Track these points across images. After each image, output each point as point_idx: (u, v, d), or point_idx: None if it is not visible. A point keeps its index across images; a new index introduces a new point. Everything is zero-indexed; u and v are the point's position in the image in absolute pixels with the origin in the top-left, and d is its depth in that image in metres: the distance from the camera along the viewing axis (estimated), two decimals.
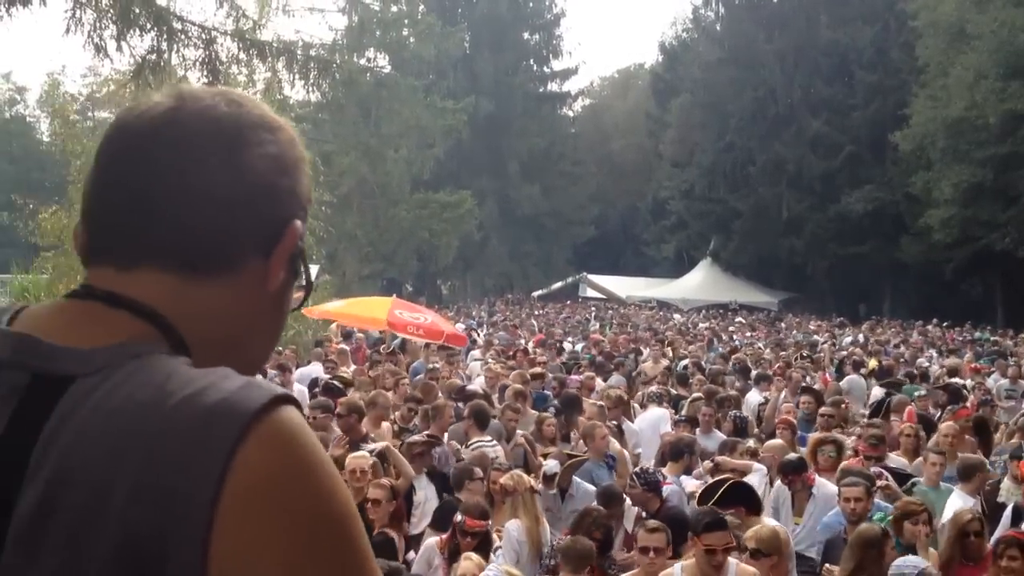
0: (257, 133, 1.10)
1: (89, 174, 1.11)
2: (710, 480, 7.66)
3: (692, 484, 7.78)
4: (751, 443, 8.79)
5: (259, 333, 1.15)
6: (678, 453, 8.17)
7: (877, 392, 13.23)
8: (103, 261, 1.08)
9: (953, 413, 10.52)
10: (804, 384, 12.76)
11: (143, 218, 1.05)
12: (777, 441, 8.80)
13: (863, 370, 15.91)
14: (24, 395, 0.97)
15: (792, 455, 8.12)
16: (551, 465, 7.53)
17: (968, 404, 11.92)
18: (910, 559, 5.46)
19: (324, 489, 0.94)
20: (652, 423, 10.09)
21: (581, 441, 8.93)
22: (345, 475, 7.00)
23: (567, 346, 20.97)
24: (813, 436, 8.74)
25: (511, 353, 16.25)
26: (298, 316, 17.30)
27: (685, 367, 15.15)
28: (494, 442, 8.35)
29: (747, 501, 6.60)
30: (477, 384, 12.25)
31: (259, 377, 1.02)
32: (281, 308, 1.17)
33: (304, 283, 1.21)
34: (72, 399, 0.95)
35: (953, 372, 15.60)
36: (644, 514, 6.73)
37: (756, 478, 7.95)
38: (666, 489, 7.42)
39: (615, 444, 8.98)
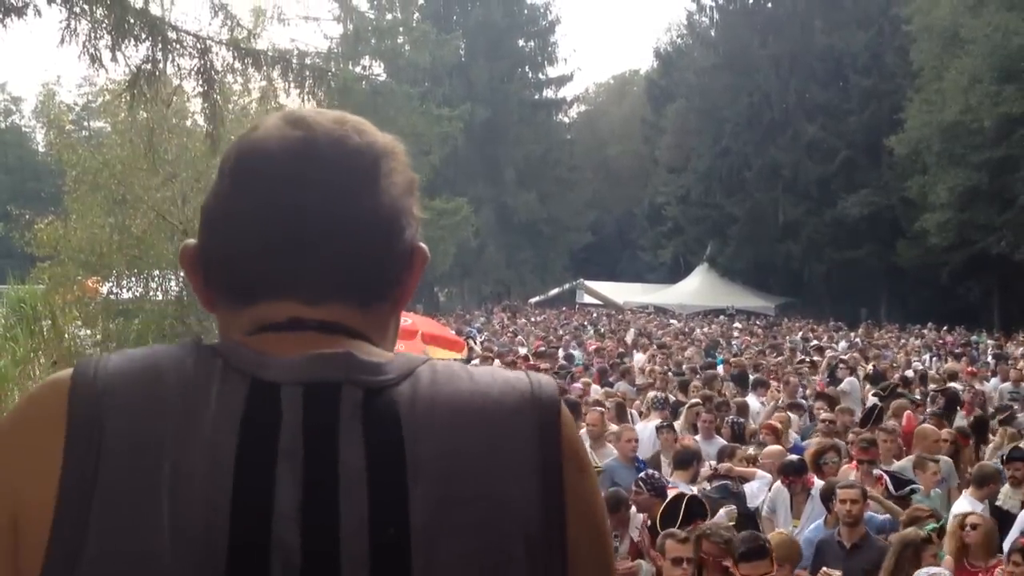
0: (387, 160, 1.13)
1: (222, 205, 1.10)
2: (708, 488, 7.65)
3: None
4: (751, 450, 8.77)
5: (392, 343, 1.18)
6: (685, 461, 8.09)
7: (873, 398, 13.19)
8: (278, 299, 1.07)
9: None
10: (818, 390, 12.78)
11: (312, 256, 1.07)
12: (776, 447, 8.78)
13: (857, 374, 15.91)
14: (365, 410, 1.00)
15: (793, 457, 8.12)
16: None
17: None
18: (932, 569, 5.44)
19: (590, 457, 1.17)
20: (651, 431, 10.05)
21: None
22: None
23: (562, 352, 20.91)
24: (813, 444, 8.73)
25: (510, 360, 16.22)
26: None
27: (684, 372, 15.12)
28: None
29: (703, 515, 6.50)
30: None
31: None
32: (400, 317, 1.22)
33: None
34: (404, 405, 1.01)
35: (952, 377, 15.58)
36: (650, 522, 6.66)
37: (758, 485, 7.94)
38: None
39: (614, 449, 8.97)
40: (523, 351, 19.68)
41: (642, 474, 7.21)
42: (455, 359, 14.86)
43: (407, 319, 13.89)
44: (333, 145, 1.10)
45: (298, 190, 1.07)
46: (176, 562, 0.92)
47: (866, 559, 5.94)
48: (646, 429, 9.97)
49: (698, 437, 9.65)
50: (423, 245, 1.17)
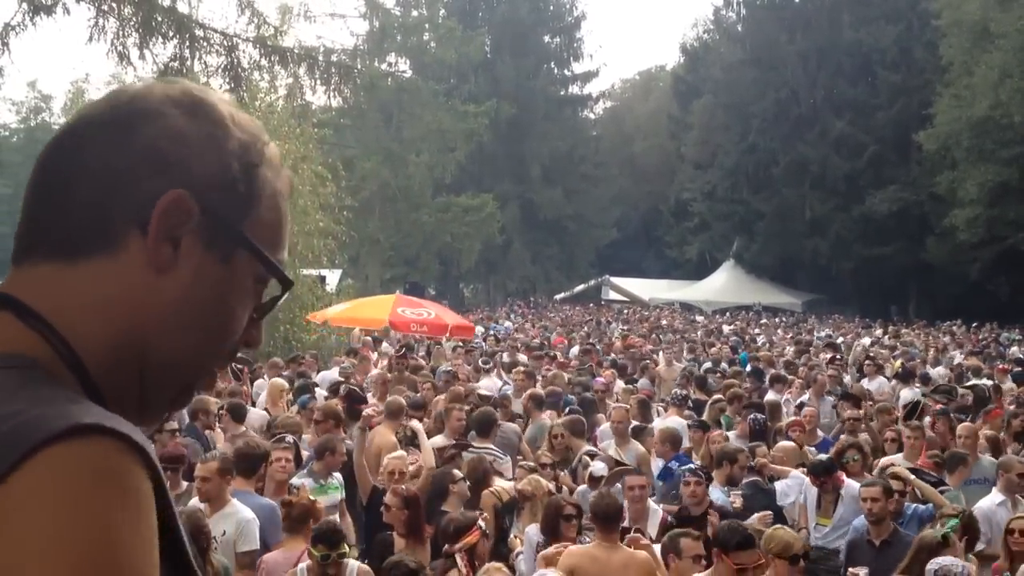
0: (166, 108, 1.01)
1: None
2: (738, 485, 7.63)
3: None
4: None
5: (174, 327, 1.01)
6: (718, 463, 8.02)
7: (907, 394, 13.09)
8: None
9: (987, 414, 10.47)
10: (842, 390, 12.71)
11: (30, 208, 1.01)
12: (789, 443, 8.75)
13: (887, 372, 15.80)
14: None
15: (822, 456, 8.09)
16: (599, 468, 7.50)
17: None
18: (942, 559, 5.43)
19: (77, 552, 0.78)
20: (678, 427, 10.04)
21: (606, 442, 8.95)
22: (383, 474, 7.03)
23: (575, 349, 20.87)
24: (839, 442, 8.69)
25: (537, 356, 16.21)
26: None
27: (706, 371, 15.06)
28: (496, 450, 8.33)
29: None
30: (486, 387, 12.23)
31: (91, 407, 0.88)
32: (209, 298, 1.03)
33: (274, 279, 1.09)
34: None
35: (976, 373, 15.43)
36: (670, 518, 6.65)
37: (790, 483, 7.91)
38: (715, 498, 7.36)
39: (639, 446, 8.97)
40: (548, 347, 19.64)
41: (691, 464, 7.15)
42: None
43: (429, 311, 13.87)
44: (107, 101, 1.04)
45: (51, 149, 1.03)
46: None
47: (896, 555, 5.91)
48: (664, 424, 9.98)
49: (731, 434, 9.63)
50: (183, 192, 0.98)
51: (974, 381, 14.31)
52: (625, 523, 6.31)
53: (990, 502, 7.22)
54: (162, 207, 0.97)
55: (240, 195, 1.04)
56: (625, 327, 28.79)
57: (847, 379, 15.42)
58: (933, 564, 5.39)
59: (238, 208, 1.03)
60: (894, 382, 14.84)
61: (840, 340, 24.61)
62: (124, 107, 1.02)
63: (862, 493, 6.47)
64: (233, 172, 1.03)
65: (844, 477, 7.52)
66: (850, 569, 6.36)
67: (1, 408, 0.83)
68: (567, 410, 10.19)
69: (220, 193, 1.02)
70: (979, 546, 6.88)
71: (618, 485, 6.94)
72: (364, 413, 7.92)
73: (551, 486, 6.97)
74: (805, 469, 8.04)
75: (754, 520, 6.83)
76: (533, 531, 6.40)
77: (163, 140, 1.00)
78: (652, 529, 6.65)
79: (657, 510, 6.82)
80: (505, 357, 16.49)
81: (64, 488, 0.79)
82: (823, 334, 28.24)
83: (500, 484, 7.17)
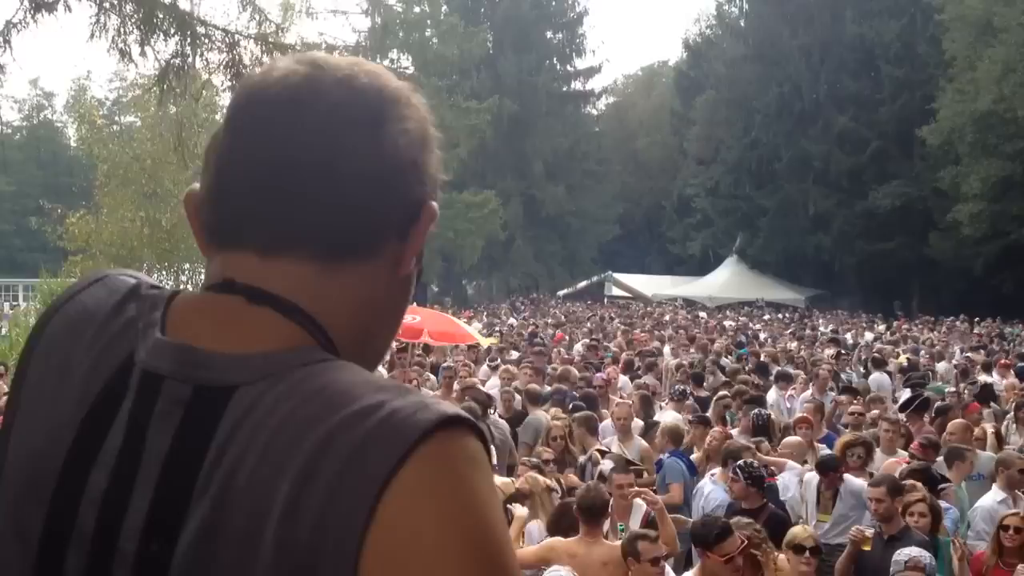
0: (397, 107, 1.04)
1: (219, 145, 1.04)
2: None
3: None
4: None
5: (387, 323, 1.09)
6: (724, 461, 7.98)
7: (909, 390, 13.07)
8: (239, 246, 1.00)
9: (964, 409, 10.48)
10: (844, 384, 12.69)
11: (287, 198, 0.98)
12: (795, 438, 8.73)
13: (889, 367, 15.77)
14: (187, 409, 0.92)
15: (827, 452, 8.08)
16: (608, 466, 7.48)
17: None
18: (909, 550, 5.48)
19: (479, 535, 0.86)
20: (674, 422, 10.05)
21: (608, 439, 8.94)
22: None
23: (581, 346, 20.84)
24: (842, 438, 8.67)
25: (537, 351, 16.20)
26: None
27: (703, 367, 15.03)
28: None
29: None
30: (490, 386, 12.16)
31: (427, 393, 1.00)
32: (408, 294, 1.10)
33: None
34: (236, 412, 0.91)
35: (985, 368, 15.39)
36: (652, 514, 6.61)
37: (789, 476, 7.90)
38: (715, 496, 7.35)
39: (642, 441, 8.96)
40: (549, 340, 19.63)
41: (741, 462, 7.11)
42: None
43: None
44: (338, 83, 1.02)
45: (290, 130, 0.99)
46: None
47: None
48: (667, 419, 9.96)
49: (735, 431, 9.62)
50: (434, 204, 1.06)
51: (984, 378, 14.27)
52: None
53: (991, 500, 7.21)
54: (427, 220, 1.05)
55: (437, 192, 1.10)
56: (627, 323, 28.73)
57: (853, 375, 15.41)
58: (901, 555, 5.42)
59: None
60: (899, 377, 14.83)
61: (848, 337, 24.58)
62: (374, 98, 1.03)
63: (867, 493, 6.47)
64: (439, 171, 1.10)
65: (844, 473, 7.51)
66: (855, 528, 6.39)
67: (365, 399, 0.89)
68: (571, 406, 10.17)
69: (436, 193, 1.09)
70: (980, 545, 6.89)
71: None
72: None
73: (551, 482, 6.95)
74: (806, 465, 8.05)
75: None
76: (534, 528, 6.40)
77: (417, 144, 1.05)
78: (635, 525, 6.63)
79: (641, 505, 6.79)
80: (513, 354, 16.52)
81: (454, 477, 0.87)
82: (826, 329, 28.20)
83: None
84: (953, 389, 12.74)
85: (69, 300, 1.08)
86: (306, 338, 0.97)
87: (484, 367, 14.67)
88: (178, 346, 0.96)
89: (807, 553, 5.59)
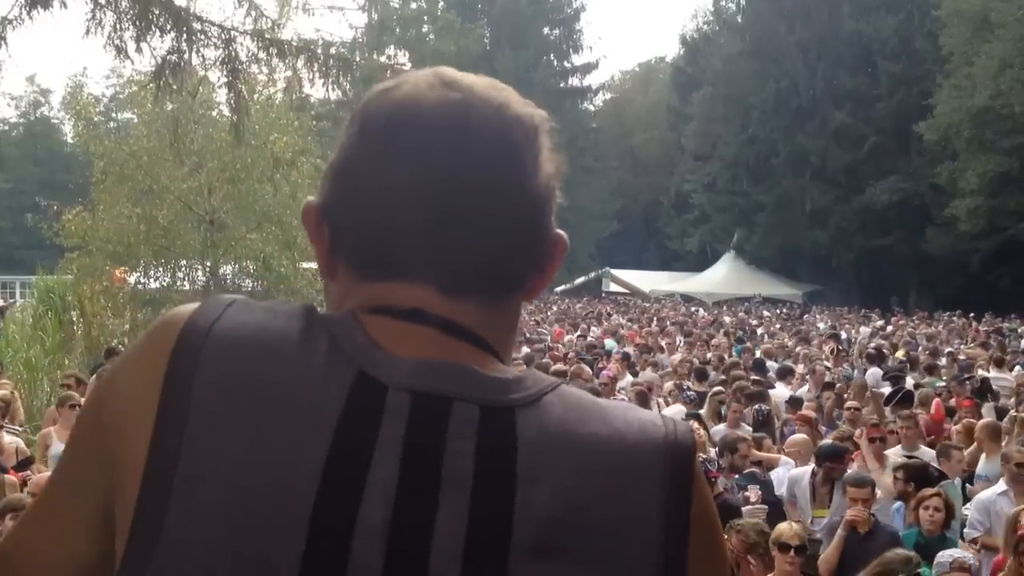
0: (542, 137, 1.04)
1: (369, 167, 0.99)
2: (736, 476, 7.62)
3: None
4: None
5: (515, 337, 1.08)
6: (719, 452, 8.01)
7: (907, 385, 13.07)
8: (407, 278, 0.97)
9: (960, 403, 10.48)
10: (827, 380, 12.67)
11: (465, 237, 0.97)
12: (801, 436, 8.73)
13: (886, 363, 15.77)
14: (480, 430, 0.90)
15: (827, 441, 8.08)
16: None
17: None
18: (952, 551, 5.44)
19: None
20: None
21: None
22: None
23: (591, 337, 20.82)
24: (838, 431, 8.68)
25: (539, 348, 16.19)
26: None
27: (705, 362, 15.04)
28: None
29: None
30: None
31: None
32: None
33: None
34: (528, 432, 0.91)
35: (999, 363, 15.33)
36: None
37: (784, 472, 7.90)
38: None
39: None
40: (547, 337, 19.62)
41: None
42: None
43: None
44: (494, 113, 1.00)
45: (459, 159, 0.97)
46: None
47: (875, 546, 5.89)
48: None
49: (722, 426, 9.62)
50: (563, 233, 1.07)
51: (983, 373, 14.24)
52: None
53: (992, 491, 7.20)
54: (562, 252, 1.07)
55: None
56: (625, 319, 28.76)
57: (850, 371, 15.40)
58: (944, 556, 5.38)
59: None
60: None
61: (844, 334, 24.57)
62: (530, 129, 1.03)
63: (850, 492, 6.45)
64: None
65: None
66: (856, 508, 6.34)
67: (618, 419, 0.96)
68: None
69: None
70: (973, 533, 6.91)
71: None
72: None
73: None
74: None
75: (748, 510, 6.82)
76: None
77: (555, 175, 1.06)
78: None
79: None
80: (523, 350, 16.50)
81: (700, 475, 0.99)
82: (823, 325, 28.22)
83: None
84: (943, 384, 12.73)
85: (215, 323, 0.95)
86: (504, 366, 0.99)
87: None
88: (456, 366, 0.93)
89: (792, 552, 5.53)
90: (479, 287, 0.98)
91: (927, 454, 8.26)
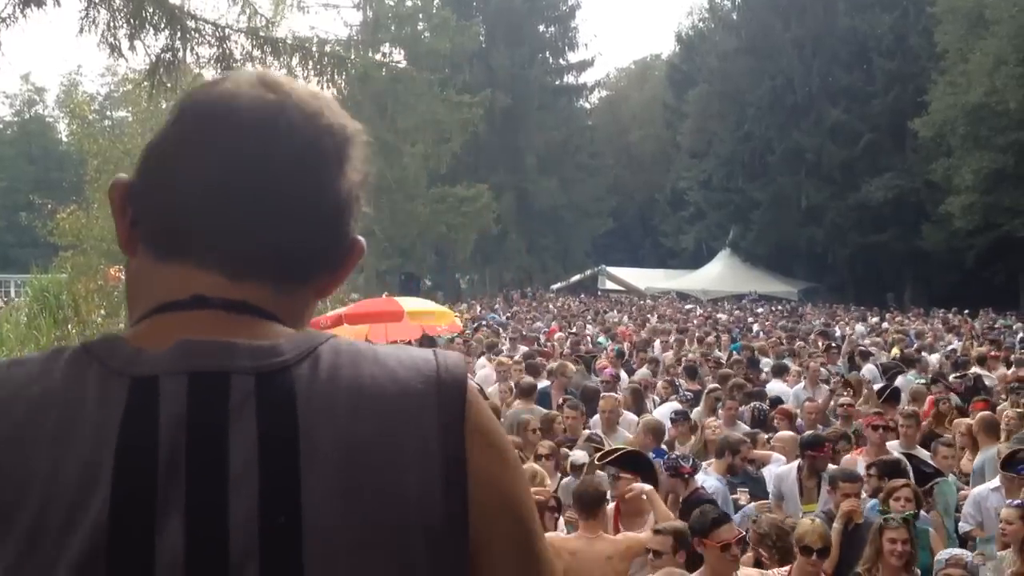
0: (353, 147, 1.10)
1: (175, 152, 1.05)
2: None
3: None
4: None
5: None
6: (720, 452, 7.98)
7: (900, 382, 13.05)
8: (197, 262, 1.02)
9: (972, 404, 10.45)
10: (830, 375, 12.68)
11: (259, 227, 1.02)
12: (788, 433, 8.74)
13: (878, 360, 15.78)
14: (259, 395, 0.95)
15: (808, 432, 8.10)
16: (579, 455, 7.45)
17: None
18: (952, 549, 5.43)
19: (504, 431, 1.12)
20: (665, 416, 10.03)
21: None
22: None
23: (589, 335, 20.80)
24: (832, 430, 8.69)
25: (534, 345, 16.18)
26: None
27: (694, 360, 15.02)
28: None
29: (645, 469, 6.49)
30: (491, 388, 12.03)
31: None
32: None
33: None
34: (306, 386, 0.97)
35: (980, 361, 15.36)
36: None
37: (774, 468, 7.89)
38: (709, 486, 7.33)
39: (626, 434, 8.93)
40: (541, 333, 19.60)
41: (664, 456, 7.11)
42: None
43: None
44: (307, 118, 1.05)
45: (262, 153, 1.02)
46: None
47: (861, 539, 5.88)
48: (659, 412, 9.93)
49: (719, 422, 9.61)
50: (362, 239, 1.13)
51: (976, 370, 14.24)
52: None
53: (985, 487, 7.24)
54: (358, 255, 1.13)
55: None
56: (621, 316, 28.78)
57: (842, 368, 15.40)
58: (943, 554, 5.37)
59: None
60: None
61: (839, 332, 24.58)
62: (340, 138, 1.08)
63: (843, 488, 6.43)
64: None
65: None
66: (849, 500, 6.33)
67: (391, 360, 1.04)
68: (563, 401, 10.11)
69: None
70: (965, 527, 6.94)
71: (600, 473, 6.83)
72: None
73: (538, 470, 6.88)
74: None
75: (752, 508, 6.82)
76: None
77: (360, 184, 1.11)
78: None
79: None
80: (505, 348, 16.48)
81: (484, 410, 1.08)
82: (817, 322, 28.24)
83: None
84: (923, 381, 12.70)
85: None
86: (290, 329, 1.05)
87: (481, 359, 14.59)
88: (224, 342, 0.98)
89: (815, 555, 5.33)
90: (263, 274, 1.04)
91: (922, 453, 8.27)
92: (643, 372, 13.87)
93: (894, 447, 8.28)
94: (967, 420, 9.16)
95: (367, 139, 1.14)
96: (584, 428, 8.96)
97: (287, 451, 0.94)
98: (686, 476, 6.77)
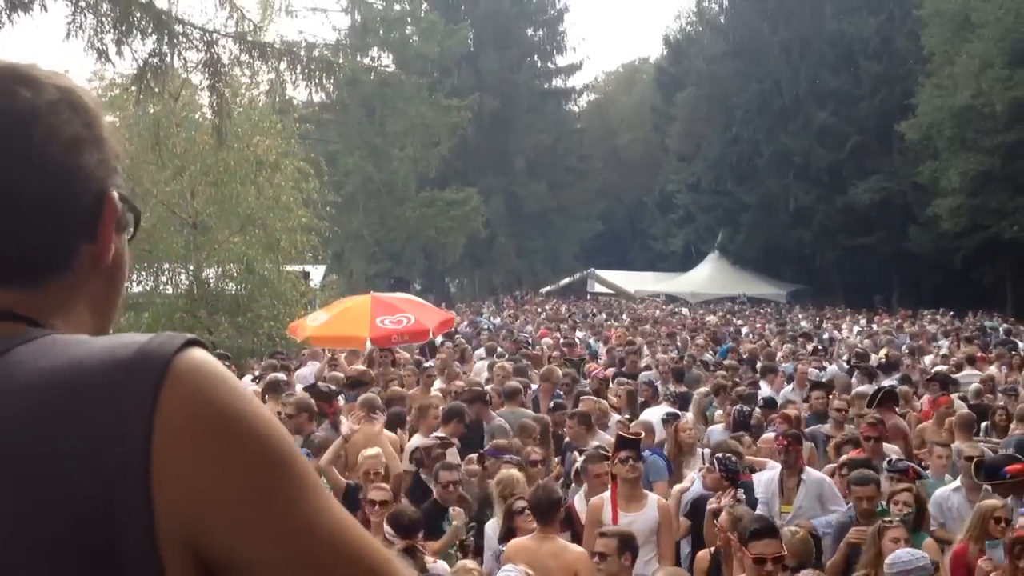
0: (54, 117, 1.02)
1: None
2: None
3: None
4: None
5: (104, 303, 1.12)
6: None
7: (886, 384, 13.09)
8: None
9: (933, 403, 10.52)
10: (812, 380, 12.66)
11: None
12: (771, 434, 8.75)
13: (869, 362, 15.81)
14: None
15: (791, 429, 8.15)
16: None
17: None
18: (905, 551, 5.43)
19: (248, 414, 0.94)
20: (653, 417, 10.03)
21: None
22: (358, 474, 6.99)
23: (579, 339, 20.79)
24: (836, 438, 8.71)
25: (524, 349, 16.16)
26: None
27: (682, 362, 15.01)
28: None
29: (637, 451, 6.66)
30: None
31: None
32: (121, 270, 1.13)
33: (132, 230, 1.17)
34: None
35: (971, 361, 15.42)
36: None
37: (771, 475, 7.90)
38: (694, 491, 7.35)
39: (605, 435, 8.91)
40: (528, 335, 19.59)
41: (719, 455, 7.11)
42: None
43: (408, 316, 13.15)
44: None
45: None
46: None
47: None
48: (654, 415, 9.92)
49: (720, 427, 9.61)
50: (113, 193, 1.07)
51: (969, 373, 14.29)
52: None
53: (946, 488, 7.34)
54: (111, 212, 1.09)
55: (118, 171, 1.12)
56: (612, 320, 28.79)
57: (833, 369, 15.40)
58: (892, 559, 5.38)
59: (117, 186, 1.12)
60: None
61: (827, 334, 24.64)
62: (15, 119, 1.02)
63: (855, 492, 6.47)
64: (118, 151, 1.12)
65: (804, 462, 7.53)
66: (853, 529, 6.32)
67: (83, 348, 0.95)
68: (552, 404, 10.11)
69: (116, 175, 1.12)
70: (932, 526, 6.99)
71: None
72: (343, 431, 7.91)
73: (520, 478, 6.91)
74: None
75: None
76: (491, 528, 6.44)
77: (74, 155, 1.04)
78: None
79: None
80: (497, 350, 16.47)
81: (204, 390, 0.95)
82: (805, 324, 28.32)
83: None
84: (891, 382, 12.72)
85: None
86: (30, 328, 0.99)
87: (479, 363, 14.54)
88: None
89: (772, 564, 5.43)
90: None
91: (892, 450, 8.32)
92: (650, 375, 13.73)
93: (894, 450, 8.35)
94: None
95: (69, 98, 1.06)
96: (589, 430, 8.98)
97: None
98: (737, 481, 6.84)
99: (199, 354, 0.95)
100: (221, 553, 0.92)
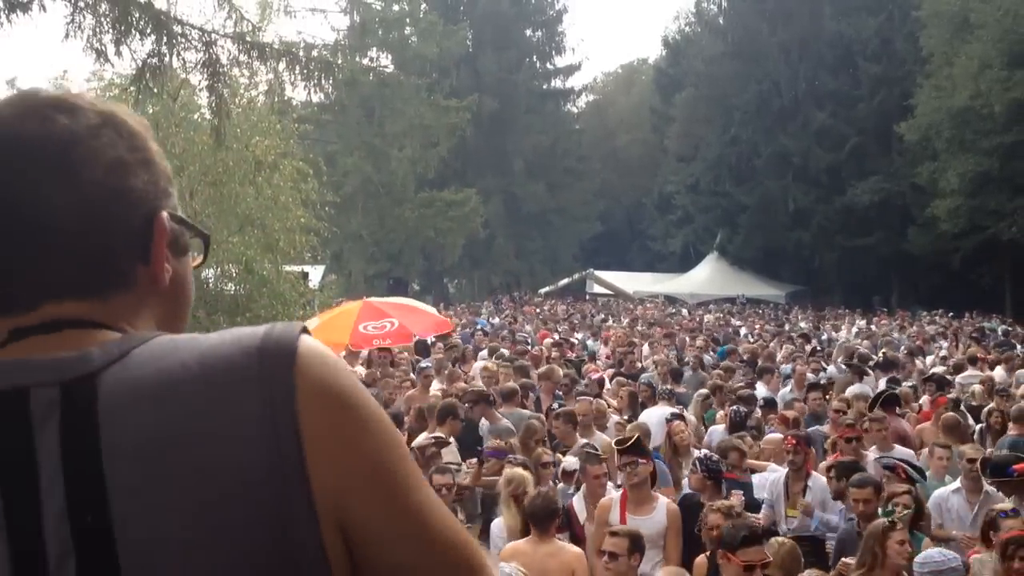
0: (95, 141, 1.05)
1: None
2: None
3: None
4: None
5: (169, 325, 1.13)
6: (723, 455, 7.96)
7: (883, 386, 13.09)
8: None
9: (933, 403, 10.52)
10: (810, 381, 12.68)
11: (19, 262, 1.02)
12: (776, 435, 8.75)
13: (869, 363, 15.80)
14: (63, 406, 0.95)
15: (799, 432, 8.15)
16: (571, 462, 7.44)
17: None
18: (937, 551, 5.42)
19: (367, 397, 1.04)
20: (658, 419, 10.02)
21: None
22: None
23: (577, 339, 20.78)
24: (835, 436, 8.71)
25: (522, 350, 16.13)
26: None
27: (680, 362, 15.01)
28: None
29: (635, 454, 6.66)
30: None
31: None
32: (183, 292, 1.16)
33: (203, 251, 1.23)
34: (109, 391, 0.96)
35: (972, 361, 15.41)
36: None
37: (776, 477, 7.91)
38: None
39: (602, 436, 8.92)
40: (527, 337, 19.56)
41: (700, 454, 7.11)
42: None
43: (393, 321, 13.09)
44: (7, 142, 1.02)
45: None
46: None
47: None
48: (652, 416, 9.92)
49: (722, 427, 9.60)
50: (164, 214, 1.10)
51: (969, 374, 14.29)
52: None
53: (946, 489, 7.34)
54: (160, 234, 1.12)
55: (169, 193, 1.19)
56: (611, 321, 28.77)
57: (832, 370, 15.41)
58: (924, 558, 5.36)
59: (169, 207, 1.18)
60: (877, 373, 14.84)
61: (825, 335, 24.64)
62: (59, 141, 1.05)
63: (852, 494, 6.47)
64: (167, 172, 1.20)
65: (811, 467, 7.54)
66: (842, 560, 6.34)
67: (208, 342, 1.01)
68: (556, 406, 10.10)
69: (167, 196, 1.17)
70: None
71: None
72: None
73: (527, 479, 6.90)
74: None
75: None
76: (496, 527, 6.45)
77: (118, 178, 1.07)
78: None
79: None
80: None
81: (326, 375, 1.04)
82: (804, 325, 28.33)
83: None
84: (883, 383, 12.73)
85: None
86: (116, 334, 1.03)
87: (478, 364, 14.50)
88: (24, 361, 0.98)
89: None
90: (48, 298, 1.02)
91: (907, 453, 8.32)
92: (649, 375, 13.71)
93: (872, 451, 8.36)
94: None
95: (111, 120, 1.09)
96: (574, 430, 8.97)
97: (89, 452, 0.93)
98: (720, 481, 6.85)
99: (315, 340, 1.03)
100: (355, 531, 0.99)
